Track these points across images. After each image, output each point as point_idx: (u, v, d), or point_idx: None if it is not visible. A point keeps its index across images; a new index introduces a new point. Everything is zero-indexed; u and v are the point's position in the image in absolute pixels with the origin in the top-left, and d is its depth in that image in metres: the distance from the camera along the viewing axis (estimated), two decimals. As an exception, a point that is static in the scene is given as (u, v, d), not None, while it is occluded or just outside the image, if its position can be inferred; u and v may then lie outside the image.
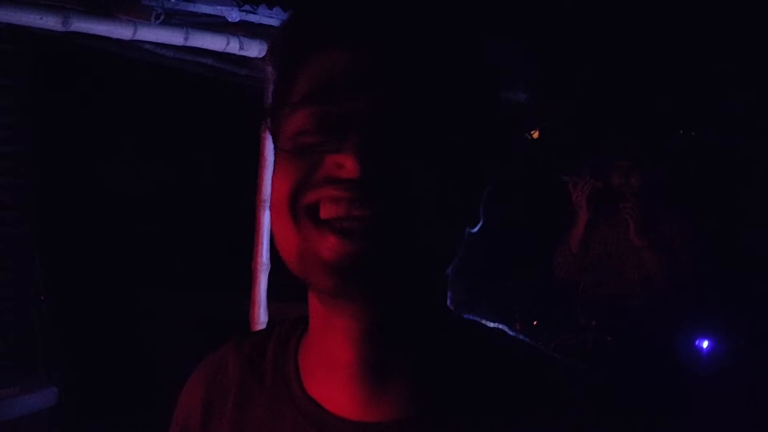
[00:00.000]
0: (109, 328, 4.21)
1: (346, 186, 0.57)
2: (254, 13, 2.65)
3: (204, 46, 2.65)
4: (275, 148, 0.66)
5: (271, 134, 0.67)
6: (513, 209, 3.68)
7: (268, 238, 3.21)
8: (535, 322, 3.48)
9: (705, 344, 3.60)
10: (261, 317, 3.30)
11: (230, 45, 2.67)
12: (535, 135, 5.73)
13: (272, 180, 0.64)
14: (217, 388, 0.73)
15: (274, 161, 0.66)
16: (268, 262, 3.24)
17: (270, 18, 2.71)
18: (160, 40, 2.51)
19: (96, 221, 4.36)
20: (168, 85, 4.01)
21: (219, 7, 2.57)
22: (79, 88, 4.31)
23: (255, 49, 2.83)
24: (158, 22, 2.19)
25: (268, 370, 0.71)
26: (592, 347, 3.12)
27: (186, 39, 2.62)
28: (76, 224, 4.22)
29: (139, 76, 3.96)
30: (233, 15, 2.60)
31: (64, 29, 2.26)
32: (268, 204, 3.32)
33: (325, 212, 0.59)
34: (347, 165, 0.57)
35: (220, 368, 0.75)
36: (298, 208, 0.61)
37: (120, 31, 2.35)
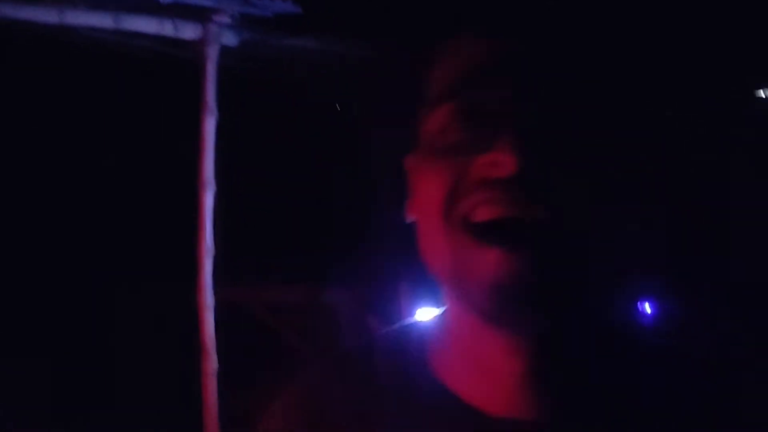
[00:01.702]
0: (49, 317, 4.15)
1: (504, 185, 0.52)
2: (187, -5, 2.62)
3: (136, 29, 2.61)
4: (410, 150, 0.60)
5: (401, 136, 0.62)
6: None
7: (212, 220, 3.20)
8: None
9: (647, 307, 3.72)
10: (207, 301, 3.29)
11: (164, 27, 2.63)
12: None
13: (418, 187, 0.58)
14: (332, 411, 0.65)
15: (416, 164, 0.59)
16: (213, 245, 3.23)
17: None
18: (89, 24, 2.46)
19: (29, 209, 4.27)
20: (105, 67, 3.92)
21: (151, -11, 2.54)
22: (12, 71, 4.19)
23: (190, 31, 2.80)
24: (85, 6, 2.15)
25: (395, 382, 0.64)
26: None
27: (116, 22, 2.58)
28: (7, 212, 4.13)
29: (73, 58, 3.86)
30: (165, -4, 2.57)
31: (-12, 14, 2.21)
32: (209, 186, 3.32)
33: (480, 215, 0.53)
34: (504, 162, 0.51)
35: (317, 398, 0.66)
36: (453, 218, 0.55)
37: (46, 15, 2.30)
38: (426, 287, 3.81)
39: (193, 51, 3.00)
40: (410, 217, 0.61)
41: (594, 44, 0.57)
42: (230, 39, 3.07)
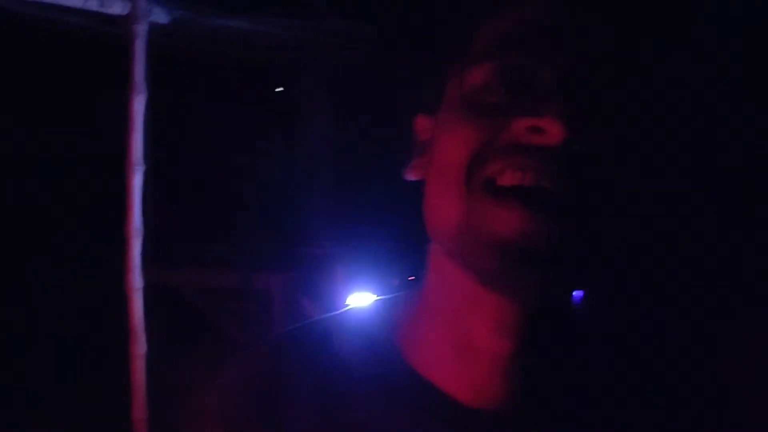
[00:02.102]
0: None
1: (542, 154, 0.49)
2: (114, -31, 2.55)
3: (59, 3, 2.53)
4: (434, 106, 0.57)
5: (426, 91, 0.57)
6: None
7: (140, 202, 3.14)
8: (411, 277, 3.57)
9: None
10: (136, 283, 3.24)
11: (88, 2, 2.56)
12: None
13: (441, 144, 0.55)
14: (271, 396, 0.60)
15: (439, 116, 0.56)
16: (141, 226, 3.17)
17: (132, -26, 2.61)
18: (9, -4, 2.37)
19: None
20: (28, 43, 3.80)
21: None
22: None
23: (117, 7, 2.73)
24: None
25: (359, 366, 0.60)
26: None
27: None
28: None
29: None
30: (91, -30, 2.50)
31: None
32: (138, 167, 3.26)
33: (507, 179, 0.51)
34: (551, 130, 0.49)
35: (271, 380, 0.61)
36: (475, 178, 0.52)
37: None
38: (360, 271, 3.83)
39: (121, 27, 2.92)
40: (415, 176, 0.58)
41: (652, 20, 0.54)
42: (161, 16, 3.01)
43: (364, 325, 0.63)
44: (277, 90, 4.94)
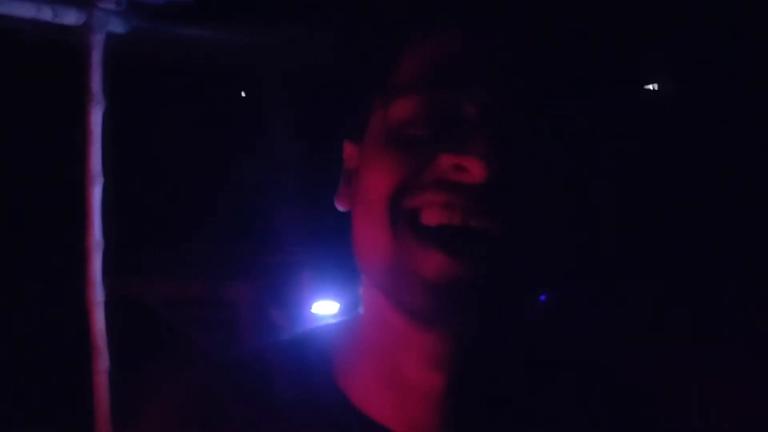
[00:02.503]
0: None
1: (467, 192, 0.49)
2: (67, -22, 2.51)
3: (10, 14, 2.48)
4: (358, 135, 0.56)
5: (350, 119, 0.57)
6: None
7: (100, 214, 3.09)
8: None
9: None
10: (97, 297, 3.19)
11: (42, 12, 2.51)
12: None
13: (365, 175, 0.55)
14: (208, 420, 0.60)
15: (364, 144, 0.56)
16: (102, 239, 3.12)
17: (87, -17, 2.57)
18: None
19: None
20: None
21: (27, -28, 2.41)
22: None
23: (72, 17, 2.68)
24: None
25: (293, 395, 0.60)
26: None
27: (-9, 6, 2.44)
28: None
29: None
30: (44, -20, 2.45)
31: None
32: (97, 179, 3.21)
33: (430, 218, 0.51)
34: (472, 169, 0.49)
35: (208, 403, 0.62)
36: (398, 212, 0.52)
37: None
38: (327, 279, 3.82)
39: (77, 38, 2.88)
40: (342, 205, 0.59)
41: (574, 45, 0.54)
42: (118, 26, 2.96)
43: (302, 352, 0.63)
44: (242, 94, 4.91)
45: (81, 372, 3.23)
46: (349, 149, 0.60)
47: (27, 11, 2.50)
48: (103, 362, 3.22)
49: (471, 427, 0.57)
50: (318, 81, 4.49)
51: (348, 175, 0.60)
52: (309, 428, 0.58)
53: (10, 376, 3.59)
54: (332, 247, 3.70)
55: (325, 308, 3.40)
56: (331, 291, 3.48)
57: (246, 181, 4.55)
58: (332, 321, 0.68)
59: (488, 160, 0.48)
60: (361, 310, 0.63)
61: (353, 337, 0.61)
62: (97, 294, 3.18)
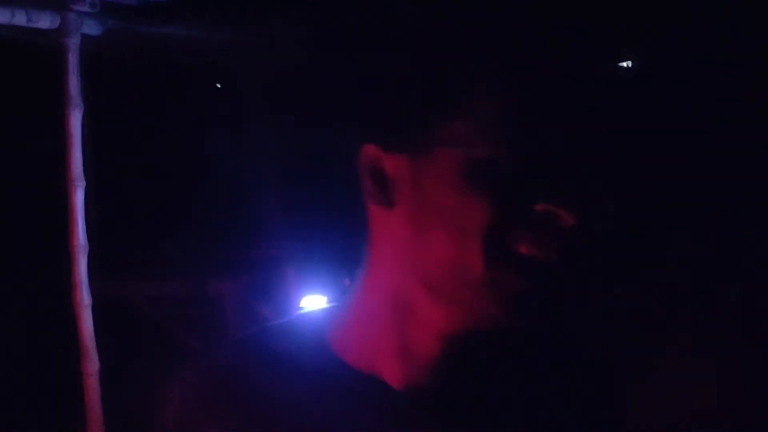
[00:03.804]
0: None
1: (557, 233, 0.58)
2: (41, -18, 2.49)
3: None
4: (421, 153, 0.61)
5: (382, 129, 0.62)
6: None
7: (83, 217, 3.08)
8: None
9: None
10: (84, 300, 3.18)
11: (16, 17, 2.49)
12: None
13: (456, 205, 0.60)
14: (229, 395, 0.68)
15: (439, 173, 0.60)
16: (86, 242, 3.11)
17: (60, -13, 2.55)
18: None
19: None
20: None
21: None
22: None
23: (46, 20, 2.66)
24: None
25: (294, 365, 0.69)
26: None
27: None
28: None
29: None
30: (17, -16, 2.43)
31: None
32: (79, 183, 3.20)
33: (526, 249, 0.59)
34: (565, 217, 0.57)
35: (224, 374, 0.70)
36: (494, 240, 0.59)
37: None
38: (312, 274, 3.83)
39: (53, 41, 2.86)
40: (376, 204, 0.63)
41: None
42: (93, 28, 2.95)
43: (299, 329, 0.71)
44: (217, 86, 4.90)
45: (71, 375, 3.23)
46: (380, 155, 0.63)
47: (0, 17, 2.49)
48: (92, 365, 3.22)
49: (464, 388, 0.67)
50: (298, 77, 4.49)
51: (379, 177, 0.64)
52: (312, 392, 0.66)
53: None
54: (317, 242, 3.72)
55: (313, 302, 3.42)
56: (318, 285, 3.49)
57: (227, 177, 4.54)
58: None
59: (576, 208, 0.57)
60: (351, 294, 0.71)
61: (348, 315, 0.69)
62: (84, 297, 3.17)
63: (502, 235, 0.59)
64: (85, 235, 3.10)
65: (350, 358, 0.68)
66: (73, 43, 2.82)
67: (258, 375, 0.68)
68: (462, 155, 0.58)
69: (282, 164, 4.39)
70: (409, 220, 0.62)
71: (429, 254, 0.61)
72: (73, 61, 2.85)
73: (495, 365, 0.68)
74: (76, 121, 2.98)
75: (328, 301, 3.41)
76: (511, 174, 0.57)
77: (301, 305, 3.45)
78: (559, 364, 0.71)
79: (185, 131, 4.51)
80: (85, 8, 2.78)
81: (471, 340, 0.65)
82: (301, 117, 4.37)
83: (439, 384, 0.66)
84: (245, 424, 0.66)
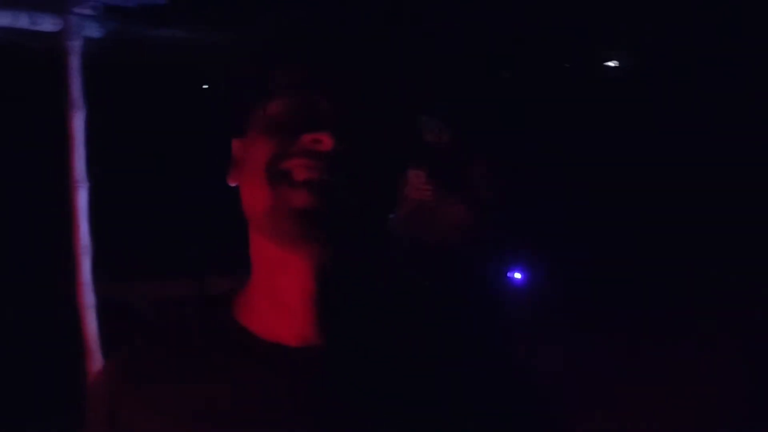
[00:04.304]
0: None
1: (320, 156, 0.71)
2: (44, -14, 2.52)
3: (-10, 23, 2.49)
4: (245, 125, 0.78)
5: (233, 117, 0.79)
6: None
7: (87, 218, 3.11)
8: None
9: (517, 275, 3.95)
10: (88, 301, 3.21)
11: (19, 20, 2.53)
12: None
13: (250, 151, 0.75)
14: (148, 373, 0.77)
15: (247, 137, 0.77)
16: (90, 243, 3.14)
17: (63, -9, 2.58)
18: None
19: None
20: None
21: (4, -19, 2.43)
22: None
23: (48, 23, 2.70)
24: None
25: (208, 338, 0.78)
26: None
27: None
28: None
29: None
30: (20, -12, 2.46)
31: None
32: (82, 184, 3.22)
33: (299, 175, 0.72)
34: (325, 140, 0.71)
35: (144, 352, 0.79)
36: (275, 172, 0.72)
37: None
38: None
39: (55, 44, 2.89)
40: (232, 182, 0.79)
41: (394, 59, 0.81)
42: (94, 30, 2.98)
43: (209, 304, 0.82)
44: (203, 87, 4.93)
45: (75, 375, 3.25)
46: (236, 144, 0.80)
47: (3, 19, 2.52)
48: (96, 364, 3.25)
49: (340, 335, 0.76)
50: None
51: (236, 162, 0.80)
52: (219, 359, 0.77)
53: (4, 381, 3.61)
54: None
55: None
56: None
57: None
58: None
59: (335, 134, 0.71)
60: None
61: (247, 284, 0.80)
62: (88, 297, 3.20)
63: (279, 164, 0.72)
64: (89, 237, 3.13)
65: (254, 327, 0.77)
66: (75, 46, 2.85)
67: (172, 352, 0.78)
68: (261, 119, 0.75)
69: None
70: (242, 185, 0.77)
71: (248, 203, 0.75)
72: (75, 63, 2.88)
73: (377, 316, 0.78)
74: (78, 122, 3.01)
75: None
76: (291, 118, 0.74)
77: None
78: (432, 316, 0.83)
79: (186, 131, 4.54)
80: (87, 11, 2.81)
81: (343, 292, 0.76)
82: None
83: (329, 337, 0.75)
84: (161, 401, 0.76)
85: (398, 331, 0.79)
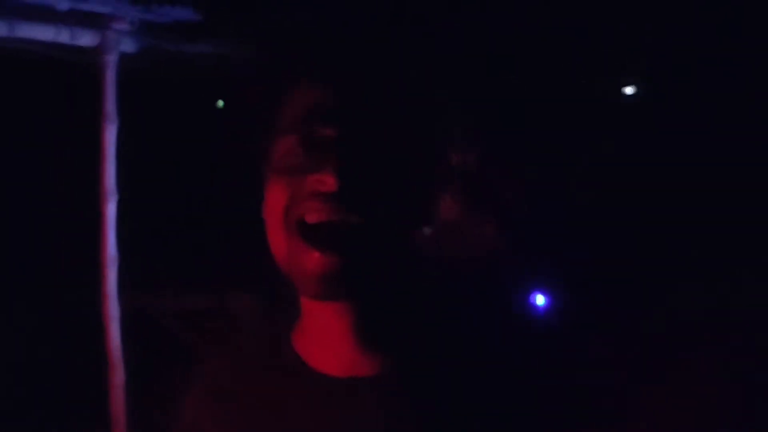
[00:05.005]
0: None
1: (327, 197, 0.69)
2: (86, 2, 2.57)
3: (32, 37, 2.53)
4: (264, 166, 0.76)
5: (258, 154, 0.77)
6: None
7: (114, 230, 3.13)
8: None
9: (540, 299, 3.94)
10: (113, 312, 3.22)
11: (60, 35, 2.57)
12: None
13: (267, 196, 0.75)
14: (226, 392, 0.81)
15: (266, 177, 0.75)
16: (116, 254, 3.16)
17: (103, 6, 2.63)
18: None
19: None
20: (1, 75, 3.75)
21: (47, -4, 2.47)
22: None
23: (88, 38, 2.74)
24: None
25: (270, 361, 0.81)
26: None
27: (10, 30, 2.50)
28: None
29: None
30: (62, 4, 2.50)
31: None
32: (112, 196, 3.25)
33: (311, 218, 0.70)
34: (327, 181, 0.68)
35: (220, 374, 0.83)
36: (289, 222, 0.71)
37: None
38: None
39: (92, 58, 2.93)
40: (264, 219, 0.78)
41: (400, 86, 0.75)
42: (129, 45, 3.02)
43: (275, 332, 0.84)
44: (218, 105, 4.96)
45: (97, 386, 3.26)
46: (263, 176, 0.79)
47: (46, 34, 2.56)
48: (119, 376, 3.26)
49: (390, 365, 0.76)
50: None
51: (264, 198, 0.79)
52: (278, 385, 0.79)
53: (28, 391, 3.62)
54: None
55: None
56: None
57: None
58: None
59: (337, 173, 0.68)
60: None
61: (300, 317, 0.81)
62: (113, 309, 3.21)
63: (292, 210, 0.71)
64: (116, 248, 3.15)
65: (306, 357, 0.79)
66: (112, 61, 2.89)
67: (238, 378, 0.82)
68: (273, 156, 0.74)
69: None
70: (267, 225, 0.76)
71: (272, 246, 0.74)
72: (110, 77, 2.92)
73: (418, 342, 0.78)
74: (111, 135, 3.04)
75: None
76: (298, 159, 0.72)
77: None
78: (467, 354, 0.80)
79: (213, 146, 4.57)
80: (125, 27, 2.85)
81: (382, 324, 0.75)
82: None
83: (374, 368, 0.76)
84: (231, 422, 0.80)
85: (440, 356, 0.78)
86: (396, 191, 0.72)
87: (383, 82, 0.74)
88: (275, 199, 0.72)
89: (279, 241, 0.72)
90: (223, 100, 4.90)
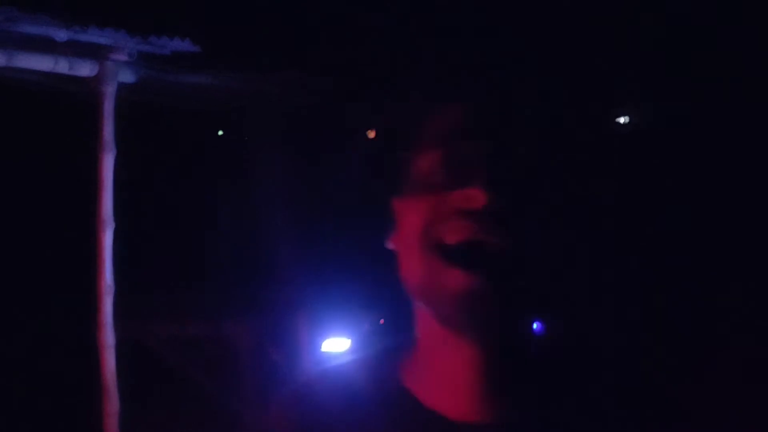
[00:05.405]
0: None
1: (473, 216, 0.64)
2: (84, 33, 2.61)
3: (30, 67, 2.57)
4: (398, 188, 0.71)
5: (387, 176, 0.73)
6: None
7: (111, 258, 3.15)
8: (381, 320, 3.64)
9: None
10: (108, 339, 3.23)
11: (59, 65, 2.61)
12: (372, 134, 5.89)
13: (401, 218, 0.70)
14: (314, 420, 0.74)
15: (403, 201, 0.71)
16: (113, 283, 3.17)
17: (101, 37, 2.67)
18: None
19: None
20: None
21: (45, 27, 2.51)
22: None
23: (86, 69, 2.78)
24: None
25: (375, 396, 0.74)
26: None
27: (9, 60, 2.53)
28: None
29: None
30: (61, 35, 2.55)
31: None
32: (108, 225, 3.27)
33: (452, 238, 0.65)
34: (476, 197, 0.64)
35: (310, 401, 0.76)
36: (429, 241, 0.66)
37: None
38: (330, 317, 3.86)
39: (90, 88, 2.97)
40: (392, 247, 0.73)
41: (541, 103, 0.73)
42: (127, 76, 3.06)
43: (376, 364, 0.78)
44: (219, 134, 5.00)
45: (90, 415, 3.25)
46: (395, 204, 0.73)
47: (45, 64, 2.60)
48: (113, 405, 3.25)
49: (512, 411, 0.70)
50: (312, 122, 4.61)
51: (395, 224, 0.73)
52: (384, 423, 0.72)
53: (23, 418, 3.60)
54: (333, 284, 3.77)
55: (336, 345, 3.45)
56: (339, 328, 3.53)
57: (245, 221, 4.61)
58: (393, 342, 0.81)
59: (486, 189, 0.64)
60: (412, 332, 0.77)
61: (412, 347, 0.75)
62: (108, 337, 3.22)
63: (432, 231, 0.66)
64: (112, 276, 3.16)
65: (418, 393, 0.73)
66: (110, 91, 2.93)
67: (341, 408, 0.74)
68: (413, 177, 0.70)
69: (298, 210, 4.47)
70: (399, 252, 0.71)
71: (405, 273, 0.69)
72: (108, 107, 2.95)
73: (542, 394, 0.72)
74: (108, 164, 3.06)
75: (352, 344, 3.45)
76: (441, 177, 0.67)
77: (324, 348, 3.48)
78: (598, 386, 0.75)
79: (207, 176, 4.60)
80: (123, 57, 2.89)
81: (511, 368, 0.70)
82: (316, 161, 4.47)
83: (494, 417, 0.70)
84: None
85: (563, 405, 0.72)
86: (545, 212, 0.67)
87: (529, 97, 0.72)
88: (411, 221, 0.68)
89: (414, 266, 0.68)
90: (222, 130, 4.95)
